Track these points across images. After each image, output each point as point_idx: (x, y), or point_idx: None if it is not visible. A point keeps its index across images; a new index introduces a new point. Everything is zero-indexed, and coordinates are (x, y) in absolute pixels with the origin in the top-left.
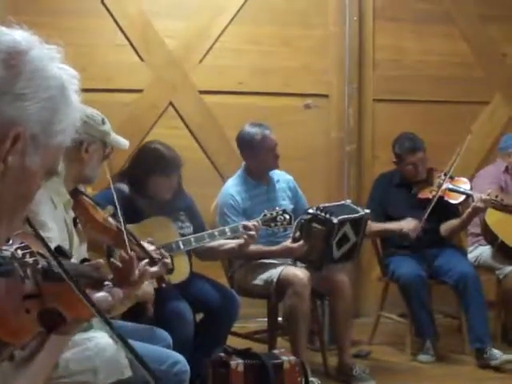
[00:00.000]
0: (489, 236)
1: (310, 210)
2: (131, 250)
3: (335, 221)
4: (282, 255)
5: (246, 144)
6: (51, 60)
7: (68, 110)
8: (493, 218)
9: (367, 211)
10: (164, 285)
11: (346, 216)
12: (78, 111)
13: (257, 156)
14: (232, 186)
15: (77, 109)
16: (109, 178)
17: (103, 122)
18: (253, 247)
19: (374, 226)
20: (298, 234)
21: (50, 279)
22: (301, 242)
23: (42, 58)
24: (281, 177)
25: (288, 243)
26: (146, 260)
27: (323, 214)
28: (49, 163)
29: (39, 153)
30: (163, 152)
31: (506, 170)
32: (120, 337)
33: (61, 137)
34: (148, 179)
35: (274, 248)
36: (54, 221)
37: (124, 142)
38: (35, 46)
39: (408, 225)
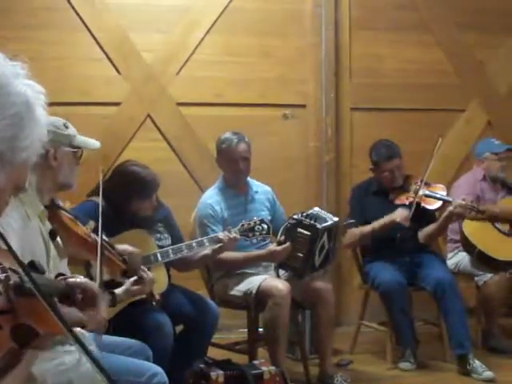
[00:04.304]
0: (467, 246)
1: (295, 216)
2: (115, 264)
3: (319, 227)
4: (267, 259)
5: (216, 151)
6: (16, 77)
7: (34, 126)
8: (470, 228)
9: (336, 219)
10: (154, 303)
11: (329, 223)
12: (45, 126)
13: (221, 165)
14: (210, 197)
15: (43, 124)
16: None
17: (66, 126)
18: (235, 254)
19: (367, 226)
20: (282, 237)
21: (22, 294)
22: (285, 245)
23: (6, 75)
24: (260, 188)
25: (272, 246)
26: (134, 278)
27: (308, 220)
28: (16, 179)
29: (5, 170)
30: (142, 176)
31: (484, 177)
32: (85, 350)
33: (27, 153)
34: (129, 203)
35: (259, 252)
36: (20, 234)
37: (93, 142)
38: None
39: (400, 214)
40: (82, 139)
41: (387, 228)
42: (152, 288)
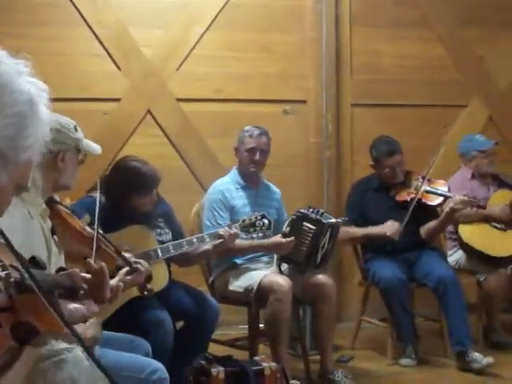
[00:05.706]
0: (467, 249)
1: (302, 210)
2: (110, 257)
3: (325, 222)
4: (271, 250)
5: (238, 140)
6: (19, 74)
7: (37, 125)
8: (467, 233)
9: (340, 220)
10: (146, 293)
11: (333, 220)
12: (48, 125)
13: (239, 153)
14: (222, 184)
15: (46, 123)
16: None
17: (75, 129)
18: (241, 242)
19: (358, 231)
20: (288, 229)
21: (23, 291)
22: (290, 238)
23: (9, 72)
24: (271, 187)
25: (278, 237)
26: (126, 269)
27: (314, 215)
28: (18, 179)
29: (8, 169)
30: (142, 171)
31: (473, 176)
32: (86, 349)
33: (30, 152)
34: (129, 199)
35: (263, 241)
36: (22, 232)
37: (96, 147)
38: (2, 61)
39: (390, 228)
40: (87, 144)
41: (377, 239)
42: (145, 278)
